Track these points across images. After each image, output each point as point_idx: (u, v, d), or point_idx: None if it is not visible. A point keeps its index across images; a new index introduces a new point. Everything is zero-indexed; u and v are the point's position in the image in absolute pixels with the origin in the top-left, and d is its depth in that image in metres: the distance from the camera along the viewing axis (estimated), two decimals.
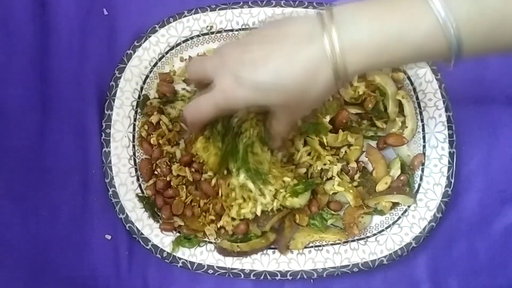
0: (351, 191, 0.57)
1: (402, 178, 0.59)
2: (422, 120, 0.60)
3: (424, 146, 0.60)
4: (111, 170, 0.57)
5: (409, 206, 0.59)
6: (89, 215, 0.57)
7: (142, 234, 0.56)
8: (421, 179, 0.60)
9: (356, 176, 0.59)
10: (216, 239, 0.58)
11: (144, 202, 0.57)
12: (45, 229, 0.56)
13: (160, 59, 0.60)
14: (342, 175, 0.58)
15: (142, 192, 0.58)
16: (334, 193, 0.58)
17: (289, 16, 0.46)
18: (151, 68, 0.60)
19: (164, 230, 0.57)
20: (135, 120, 0.59)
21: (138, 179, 0.58)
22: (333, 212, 0.58)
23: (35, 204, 0.56)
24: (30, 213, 0.55)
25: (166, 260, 0.56)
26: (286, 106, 0.44)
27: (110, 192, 0.56)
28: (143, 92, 0.60)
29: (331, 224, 0.59)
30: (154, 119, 0.58)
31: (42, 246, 0.55)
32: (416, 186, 0.60)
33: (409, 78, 0.61)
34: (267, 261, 0.57)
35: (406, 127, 0.59)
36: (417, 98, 0.61)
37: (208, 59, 0.48)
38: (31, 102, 0.57)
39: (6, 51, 0.57)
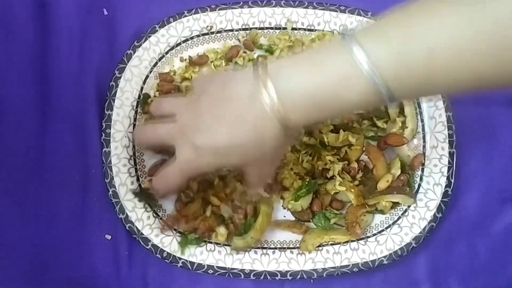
0: (352, 190, 0.57)
1: (402, 178, 0.59)
2: (422, 120, 0.60)
3: (424, 146, 0.60)
4: (111, 170, 0.57)
5: (409, 206, 0.59)
6: (89, 215, 0.57)
7: (142, 234, 0.56)
8: (421, 179, 0.59)
9: (358, 176, 0.59)
10: (228, 241, 0.57)
11: (142, 194, 0.57)
12: (45, 229, 0.56)
13: (160, 59, 0.60)
14: (343, 174, 0.58)
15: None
16: (336, 193, 0.58)
17: (231, 73, 0.47)
18: (151, 68, 0.60)
19: (165, 228, 0.57)
20: (135, 120, 0.59)
21: (138, 179, 0.58)
22: (336, 212, 0.58)
23: (35, 204, 0.56)
24: (30, 213, 0.55)
25: (166, 260, 0.56)
26: (249, 164, 0.46)
27: (110, 192, 0.56)
28: (143, 92, 0.60)
29: (334, 223, 0.58)
30: None
31: (42, 246, 0.55)
32: (416, 186, 0.59)
33: None
34: (267, 261, 0.57)
35: (406, 127, 0.59)
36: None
37: (162, 127, 0.48)
38: (31, 102, 0.57)
39: (6, 51, 0.57)
